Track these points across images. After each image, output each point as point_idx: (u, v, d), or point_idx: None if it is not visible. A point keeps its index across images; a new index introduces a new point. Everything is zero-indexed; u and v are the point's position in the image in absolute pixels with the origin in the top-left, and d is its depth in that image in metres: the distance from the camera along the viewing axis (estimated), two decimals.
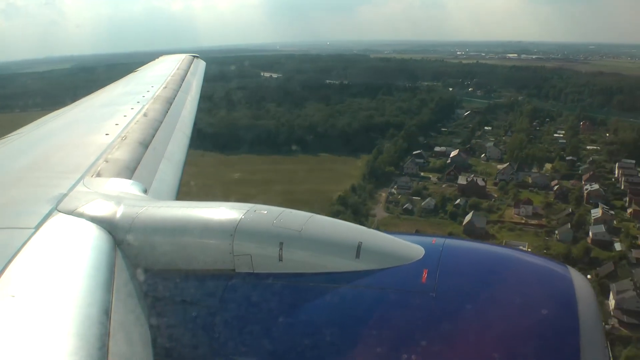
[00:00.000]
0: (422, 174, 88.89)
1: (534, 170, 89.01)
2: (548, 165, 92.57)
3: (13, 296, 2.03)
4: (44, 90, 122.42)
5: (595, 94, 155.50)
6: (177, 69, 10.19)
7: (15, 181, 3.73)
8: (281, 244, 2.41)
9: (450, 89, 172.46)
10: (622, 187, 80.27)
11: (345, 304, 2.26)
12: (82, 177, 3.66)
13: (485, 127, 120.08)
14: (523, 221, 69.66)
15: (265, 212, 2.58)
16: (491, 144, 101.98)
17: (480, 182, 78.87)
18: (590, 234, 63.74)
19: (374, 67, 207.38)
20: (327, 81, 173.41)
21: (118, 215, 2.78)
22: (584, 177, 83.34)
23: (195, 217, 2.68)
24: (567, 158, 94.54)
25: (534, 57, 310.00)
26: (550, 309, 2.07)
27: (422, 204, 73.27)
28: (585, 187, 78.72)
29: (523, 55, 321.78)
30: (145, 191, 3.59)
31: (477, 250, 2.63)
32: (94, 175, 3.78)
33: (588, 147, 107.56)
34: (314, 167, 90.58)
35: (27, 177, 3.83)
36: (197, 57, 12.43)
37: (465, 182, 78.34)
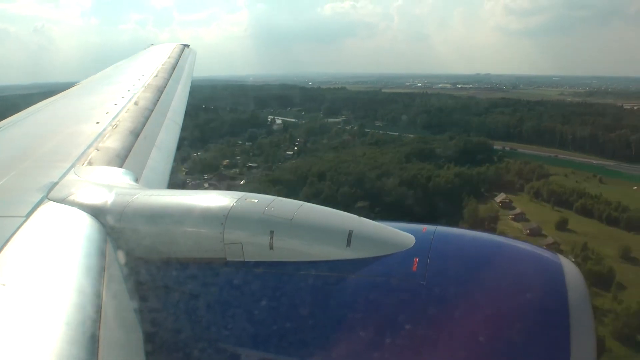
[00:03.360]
0: None
1: (214, 174, 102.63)
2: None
3: (4, 284, 1.99)
4: None
5: (415, 113, 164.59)
6: (168, 57, 10.07)
7: (6, 170, 3.57)
8: (272, 232, 2.38)
9: (306, 113, 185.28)
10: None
11: (336, 292, 2.27)
12: (72, 166, 3.61)
13: (247, 142, 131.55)
14: None
15: (256, 200, 2.56)
16: (195, 154, 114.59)
17: None
18: None
19: (258, 95, 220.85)
20: (203, 106, 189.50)
21: (109, 203, 2.73)
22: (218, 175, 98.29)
23: (186, 205, 2.65)
24: (248, 164, 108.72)
25: (461, 85, 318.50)
26: (540, 297, 2.10)
27: None
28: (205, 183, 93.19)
29: (459, 85, 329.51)
30: (136, 180, 3.55)
31: (468, 238, 2.60)
32: (84, 164, 3.74)
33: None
34: None
35: (17, 166, 3.69)
36: (187, 46, 12.28)
37: None
